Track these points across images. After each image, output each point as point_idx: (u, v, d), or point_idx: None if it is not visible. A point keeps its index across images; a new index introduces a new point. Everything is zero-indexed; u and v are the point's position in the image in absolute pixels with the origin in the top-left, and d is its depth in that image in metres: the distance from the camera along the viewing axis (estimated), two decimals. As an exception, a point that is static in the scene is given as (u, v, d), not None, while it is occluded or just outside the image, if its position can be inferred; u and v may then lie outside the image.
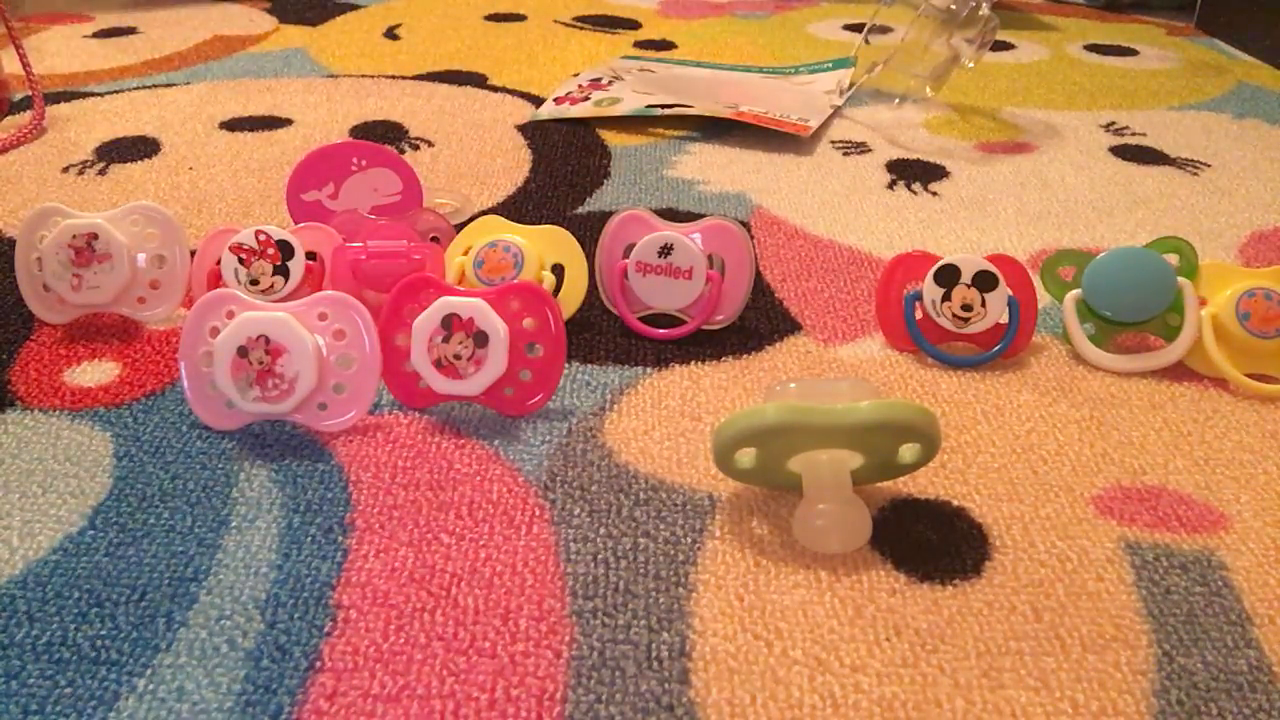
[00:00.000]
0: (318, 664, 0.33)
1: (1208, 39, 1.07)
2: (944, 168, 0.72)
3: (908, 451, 0.39)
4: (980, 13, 0.79)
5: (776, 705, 0.32)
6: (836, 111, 0.82)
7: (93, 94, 0.83)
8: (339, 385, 0.43)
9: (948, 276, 0.49)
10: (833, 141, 0.77)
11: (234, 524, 0.39)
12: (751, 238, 0.61)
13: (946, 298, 0.49)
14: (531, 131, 0.77)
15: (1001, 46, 1.02)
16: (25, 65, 0.76)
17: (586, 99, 0.81)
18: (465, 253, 0.51)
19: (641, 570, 0.37)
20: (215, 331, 0.43)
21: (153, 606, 0.35)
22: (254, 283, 0.48)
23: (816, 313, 0.54)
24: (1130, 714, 0.32)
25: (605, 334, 0.51)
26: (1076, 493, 0.41)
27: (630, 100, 0.79)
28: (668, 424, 0.45)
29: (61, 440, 0.43)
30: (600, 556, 0.38)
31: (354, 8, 1.10)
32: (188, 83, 0.85)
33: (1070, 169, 0.73)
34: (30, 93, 0.76)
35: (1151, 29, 1.10)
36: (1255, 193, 0.70)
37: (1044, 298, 0.53)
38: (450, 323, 0.43)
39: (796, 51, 0.99)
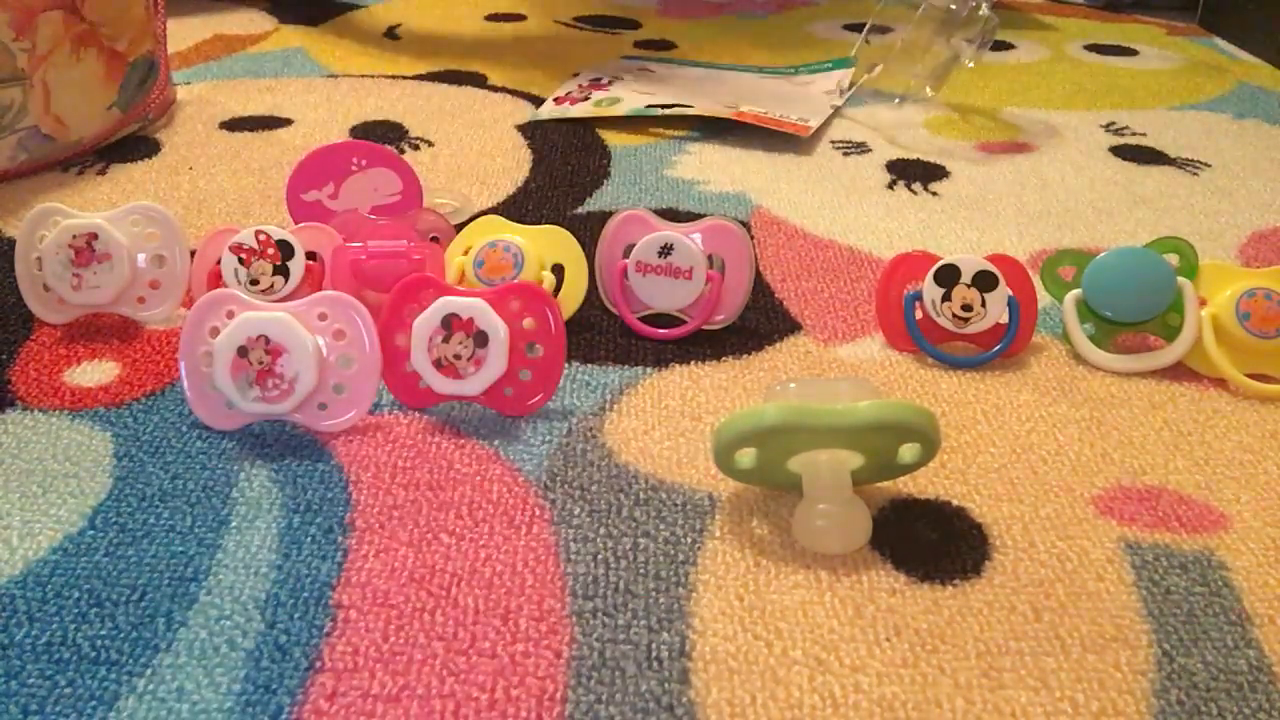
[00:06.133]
0: (318, 664, 0.33)
1: (1208, 39, 1.07)
2: (944, 168, 0.72)
3: (908, 451, 0.39)
4: (980, 13, 0.79)
5: (776, 705, 0.32)
6: (836, 111, 0.82)
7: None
8: (339, 385, 0.43)
9: (948, 276, 0.49)
10: (833, 141, 0.77)
11: (234, 524, 0.39)
12: (751, 238, 0.61)
13: (946, 298, 0.49)
14: (531, 131, 0.77)
15: (1001, 46, 1.01)
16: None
17: (586, 99, 0.81)
18: (465, 253, 0.51)
19: (641, 570, 0.37)
20: (215, 331, 0.43)
21: (153, 606, 0.35)
22: (254, 283, 0.48)
23: (816, 313, 0.54)
24: (1130, 714, 0.32)
25: (605, 334, 0.51)
26: (1076, 493, 0.41)
27: (630, 100, 0.79)
28: (668, 424, 0.45)
29: (61, 440, 0.43)
30: (600, 556, 0.38)
31: (354, 8, 1.10)
32: (188, 82, 0.85)
33: (1070, 169, 0.73)
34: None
35: (1151, 29, 1.10)
36: (1255, 193, 0.70)
37: (1044, 298, 0.53)
38: (450, 322, 0.43)
39: (796, 51, 0.99)
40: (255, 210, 0.63)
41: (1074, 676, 0.33)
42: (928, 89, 0.84)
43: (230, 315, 0.43)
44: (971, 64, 0.81)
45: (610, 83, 0.84)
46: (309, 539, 0.38)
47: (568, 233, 0.52)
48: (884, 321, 0.51)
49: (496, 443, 0.43)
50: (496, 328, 0.43)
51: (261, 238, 0.48)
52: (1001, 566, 0.37)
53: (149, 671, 0.33)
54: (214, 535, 0.38)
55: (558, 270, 0.51)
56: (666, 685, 0.33)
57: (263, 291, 0.48)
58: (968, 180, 0.71)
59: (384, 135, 0.75)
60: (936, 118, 0.82)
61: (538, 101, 0.83)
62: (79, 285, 0.48)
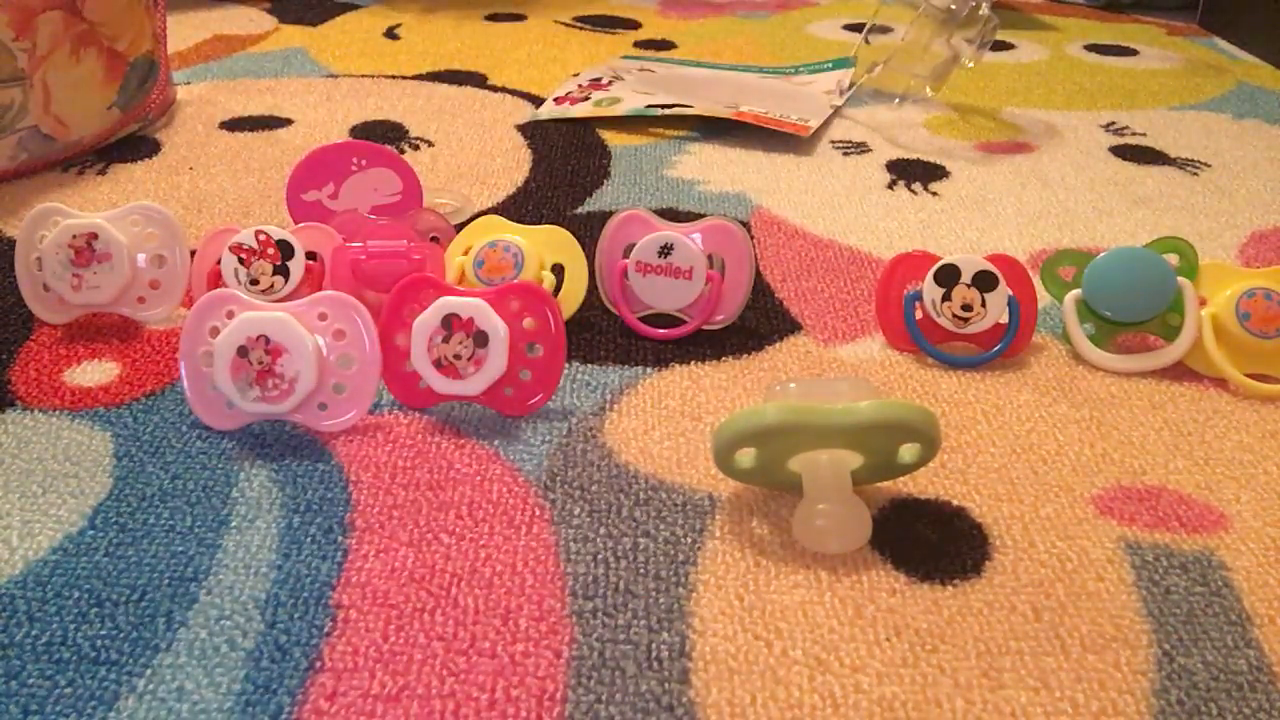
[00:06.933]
0: (318, 664, 0.33)
1: (1208, 39, 1.07)
2: (944, 168, 0.72)
3: (908, 451, 0.39)
4: (980, 13, 0.79)
5: (776, 705, 0.32)
6: (836, 111, 0.82)
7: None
8: (339, 385, 0.43)
9: (948, 276, 0.49)
10: (833, 141, 0.77)
11: (234, 524, 0.39)
12: (751, 238, 0.61)
13: (946, 298, 0.49)
14: (531, 131, 0.77)
15: (1001, 46, 1.02)
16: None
17: (586, 99, 0.81)
18: (465, 253, 0.51)
19: (641, 570, 0.37)
20: (215, 331, 0.43)
21: (153, 606, 0.35)
22: (254, 283, 0.48)
23: (816, 313, 0.54)
24: (1130, 714, 0.32)
25: (605, 334, 0.51)
26: (1076, 493, 0.41)
27: (630, 100, 0.79)
28: (668, 424, 0.45)
29: (61, 440, 0.43)
30: (600, 556, 0.38)
31: (354, 8, 1.10)
32: (188, 82, 0.85)
33: (1070, 169, 0.73)
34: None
35: (1151, 29, 1.10)
36: (1255, 193, 0.70)
37: (1044, 298, 0.53)
38: (450, 323, 0.43)
39: (796, 51, 0.99)
40: (255, 210, 0.63)
41: (1074, 676, 0.33)
42: (928, 89, 0.84)
43: (230, 315, 0.43)
44: (971, 64, 0.81)
45: (610, 83, 0.84)
46: (309, 539, 0.38)
47: (568, 233, 0.52)
48: (884, 321, 0.51)
49: (496, 443, 0.43)
50: (496, 328, 0.43)
51: (261, 238, 0.48)
52: (1001, 566, 0.37)
53: (149, 671, 0.33)
54: (214, 535, 0.38)
55: (558, 270, 0.51)
56: (666, 685, 0.33)
57: (263, 291, 0.48)
58: (968, 180, 0.71)
59: (384, 135, 0.75)
60: (936, 118, 0.82)
61: (538, 101, 0.83)
62: (79, 285, 0.48)
